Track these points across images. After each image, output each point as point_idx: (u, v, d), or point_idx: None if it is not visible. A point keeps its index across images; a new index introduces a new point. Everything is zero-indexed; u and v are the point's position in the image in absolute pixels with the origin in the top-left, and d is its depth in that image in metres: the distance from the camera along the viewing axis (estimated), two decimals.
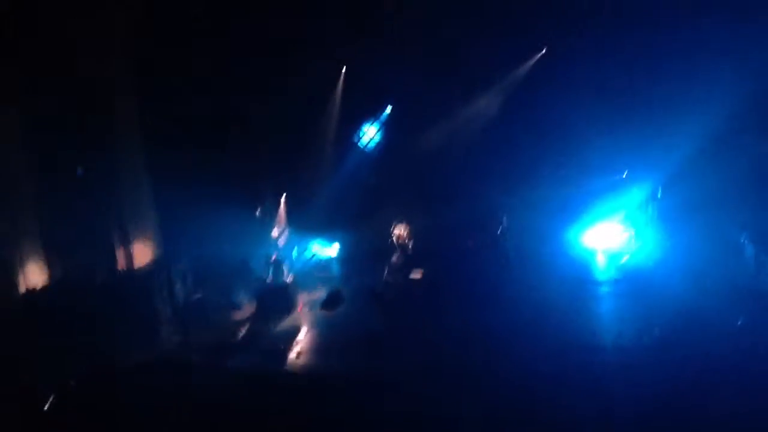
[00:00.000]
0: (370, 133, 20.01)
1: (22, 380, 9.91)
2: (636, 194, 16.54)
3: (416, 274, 16.16)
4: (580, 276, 15.36)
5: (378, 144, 20.07)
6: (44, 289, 11.95)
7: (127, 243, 13.74)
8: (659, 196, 16.00)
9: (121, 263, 13.58)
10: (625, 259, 15.96)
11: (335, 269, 18.21)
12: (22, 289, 11.57)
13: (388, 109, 19.78)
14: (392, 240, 17.30)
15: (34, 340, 10.86)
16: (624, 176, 16.74)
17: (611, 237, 16.69)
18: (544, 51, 17.49)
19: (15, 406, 9.26)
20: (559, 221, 17.09)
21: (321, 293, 15.34)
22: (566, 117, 16.97)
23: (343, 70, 18.80)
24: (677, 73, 14.75)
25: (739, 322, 10.89)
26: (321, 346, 12.37)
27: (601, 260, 16.51)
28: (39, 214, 12.13)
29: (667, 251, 15.14)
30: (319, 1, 15.91)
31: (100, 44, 12.84)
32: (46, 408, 9.47)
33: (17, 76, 11.59)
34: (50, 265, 12.29)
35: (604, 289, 14.55)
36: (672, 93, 15.01)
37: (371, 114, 20.00)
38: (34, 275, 11.91)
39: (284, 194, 19.15)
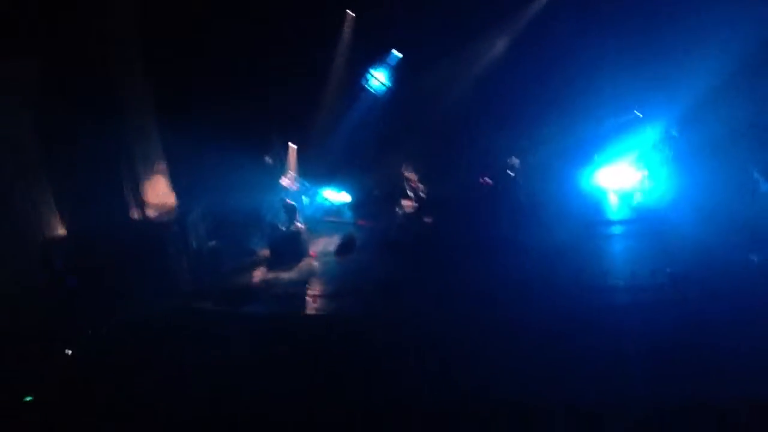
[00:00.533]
0: (378, 79, 19.79)
1: (42, 336, 10.06)
2: (650, 133, 16.33)
3: (429, 219, 16.15)
4: (593, 216, 15.31)
5: (387, 89, 19.87)
6: (57, 243, 12.02)
7: (138, 194, 13.77)
8: (674, 134, 15.80)
9: (133, 214, 13.64)
10: (638, 198, 15.86)
11: (347, 215, 18.27)
12: (35, 245, 11.66)
13: (396, 54, 19.53)
14: (404, 185, 17.23)
15: (52, 295, 11.03)
16: (638, 114, 16.50)
17: (624, 177, 16.55)
18: None
19: (38, 361, 9.42)
20: (570, 161, 16.95)
21: (334, 239, 15.40)
22: (577, 55, 16.65)
23: (350, 15, 18.53)
24: (694, 7, 14.37)
25: (754, 260, 10.87)
26: (335, 291, 12.43)
27: (613, 200, 16.43)
28: (49, 172, 12.16)
29: (682, 190, 15.02)
30: None
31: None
32: (67, 362, 9.65)
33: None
34: (62, 220, 12.36)
35: (617, 230, 14.52)
36: (688, 29, 14.64)
37: (379, 59, 19.76)
38: (47, 231, 12.00)
39: (294, 140, 19.08)
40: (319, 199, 18.62)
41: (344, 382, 8.63)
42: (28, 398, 8.41)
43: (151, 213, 13.97)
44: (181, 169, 14.77)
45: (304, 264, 14.29)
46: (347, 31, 18.70)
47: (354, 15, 18.40)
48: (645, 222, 14.51)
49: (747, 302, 9.25)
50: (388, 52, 19.52)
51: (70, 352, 9.77)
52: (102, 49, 12.68)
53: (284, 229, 15.39)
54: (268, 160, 18.37)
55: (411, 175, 17.33)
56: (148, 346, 9.87)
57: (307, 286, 12.78)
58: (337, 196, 18.76)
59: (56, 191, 12.37)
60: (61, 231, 12.27)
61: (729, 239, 11.72)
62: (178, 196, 14.68)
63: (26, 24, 11.27)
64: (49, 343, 9.84)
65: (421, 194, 17.13)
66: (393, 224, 16.50)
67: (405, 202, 16.99)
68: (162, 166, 14.42)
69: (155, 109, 14.19)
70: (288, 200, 16.11)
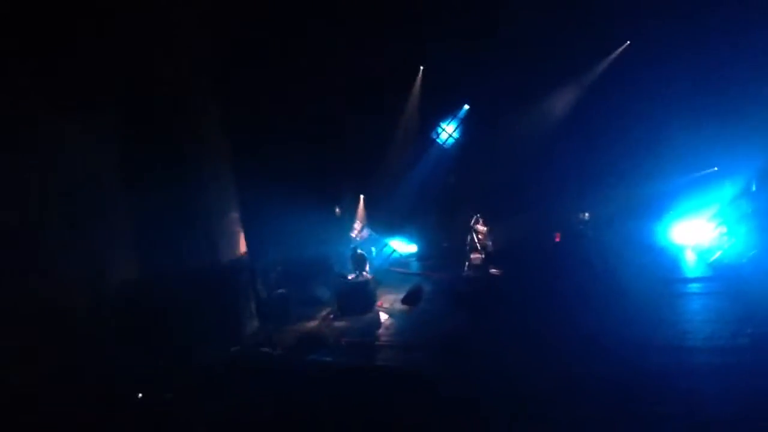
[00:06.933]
0: (448, 131, 19.97)
1: (115, 375, 10.30)
2: (728, 189, 15.89)
3: (496, 272, 15.99)
4: (669, 274, 14.86)
5: (456, 142, 20.01)
6: (134, 290, 12.33)
7: (211, 240, 14.09)
8: (753, 189, 15.32)
9: (207, 262, 13.94)
10: (716, 256, 15.32)
11: (415, 266, 18.26)
12: (112, 289, 12.00)
13: (466, 107, 19.70)
14: (471, 237, 17.16)
15: (128, 338, 11.32)
16: (715, 170, 16.11)
17: (702, 233, 16.09)
18: (627, 44, 17.06)
19: (106, 402, 9.62)
20: (645, 217, 16.62)
21: (401, 290, 15.37)
22: (652, 110, 16.50)
23: (421, 69, 18.85)
24: None
25: None
26: (401, 342, 12.34)
27: (691, 257, 15.95)
28: (131, 222, 12.58)
29: (761, 247, 14.46)
30: (397, 1, 16.01)
31: (180, 48, 13.21)
32: (137, 401, 9.84)
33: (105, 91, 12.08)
34: (141, 267, 12.70)
35: (695, 288, 14.02)
36: (765, 82, 14.37)
37: (449, 112, 19.97)
38: (127, 276, 12.35)
39: (364, 191, 19.31)
40: (387, 250, 18.72)
41: None
42: None
43: (222, 259, 14.26)
44: (254, 217, 15.09)
45: (371, 314, 14.29)
46: (419, 83, 19.03)
47: (426, 69, 18.74)
48: (724, 280, 13.98)
49: None
50: (459, 105, 19.75)
51: (140, 395, 9.96)
52: (182, 97, 13.20)
53: (352, 278, 15.49)
54: (337, 210, 18.65)
55: (480, 227, 17.28)
56: (217, 390, 9.99)
57: (373, 336, 12.75)
58: (405, 247, 18.82)
59: (134, 232, 12.77)
60: (137, 281, 12.59)
61: None
62: (250, 243, 14.97)
63: (109, 74, 11.85)
64: (119, 385, 10.08)
65: (489, 248, 17.03)
66: (461, 276, 16.40)
67: (473, 255, 16.91)
68: (235, 213, 14.76)
69: (231, 158, 14.59)
70: (358, 250, 16.25)
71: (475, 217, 17.31)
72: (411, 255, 18.87)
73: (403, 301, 14.67)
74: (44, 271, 10.39)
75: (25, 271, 9.98)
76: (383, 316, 14.09)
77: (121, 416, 9.38)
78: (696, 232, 16.12)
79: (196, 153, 13.54)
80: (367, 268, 15.90)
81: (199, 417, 9.24)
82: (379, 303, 14.82)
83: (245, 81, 14.65)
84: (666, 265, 15.29)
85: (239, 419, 9.12)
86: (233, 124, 14.33)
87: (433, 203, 19.28)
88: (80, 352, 10.45)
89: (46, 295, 10.20)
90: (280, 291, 14.87)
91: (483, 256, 16.77)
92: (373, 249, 18.42)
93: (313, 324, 14.06)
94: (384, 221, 19.18)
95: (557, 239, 16.89)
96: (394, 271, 17.95)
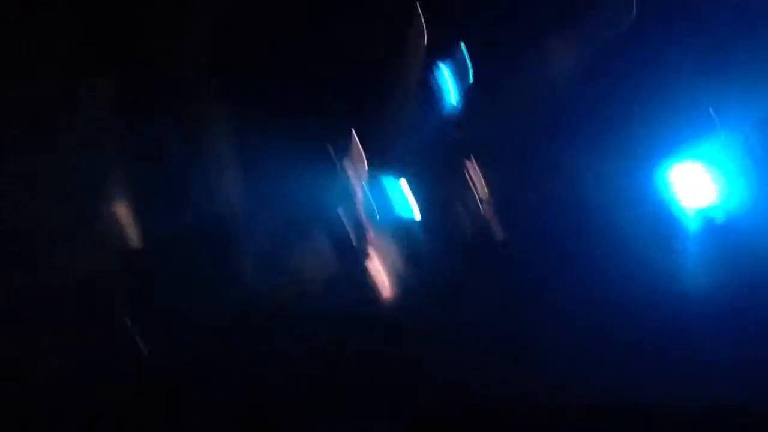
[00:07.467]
0: (449, 77, 19.83)
1: (117, 340, 10.53)
2: (726, 139, 15.91)
3: (500, 228, 16.11)
4: (665, 226, 15.02)
5: (458, 89, 19.90)
6: (135, 246, 12.49)
7: (208, 194, 14.18)
8: (752, 139, 15.35)
9: (203, 216, 14.08)
10: (712, 209, 15.45)
11: (411, 215, 18.37)
12: (111, 251, 12.16)
13: (467, 56, 19.54)
14: (475, 194, 17.22)
15: (128, 302, 11.53)
16: (712, 118, 16.11)
17: (697, 186, 16.17)
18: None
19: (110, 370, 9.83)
20: (641, 170, 16.70)
21: (401, 243, 15.55)
22: (646, 51, 16.46)
23: (423, 18, 18.68)
24: None
25: None
26: (401, 292, 12.59)
27: (686, 210, 16.08)
28: (127, 172, 12.71)
29: (759, 199, 14.58)
30: None
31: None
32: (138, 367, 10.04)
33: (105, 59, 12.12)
34: (137, 214, 12.88)
35: (690, 241, 14.21)
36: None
37: (451, 57, 19.83)
38: (128, 235, 12.50)
39: (363, 146, 19.30)
40: (385, 199, 18.82)
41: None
42: None
43: (220, 215, 14.38)
44: (249, 170, 15.16)
45: (371, 264, 14.51)
46: (422, 34, 18.88)
47: (426, 17, 18.58)
48: (721, 233, 14.16)
49: None
50: (461, 50, 19.61)
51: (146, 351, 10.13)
52: (174, 53, 13.26)
53: (347, 228, 15.64)
54: (337, 162, 18.68)
55: (483, 185, 17.29)
56: (215, 344, 10.19)
57: (368, 286, 12.96)
58: (402, 196, 18.91)
59: (133, 193, 12.90)
60: (137, 234, 12.76)
61: None
62: (246, 196, 15.08)
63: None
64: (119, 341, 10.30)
65: (492, 204, 17.09)
66: (462, 232, 16.53)
67: (476, 211, 16.99)
68: (232, 166, 14.83)
69: (225, 108, 14.64)
70: (355, 205, 16.34)
71: (478, 173, 17.34)
72: (408, 204, 18.97)
73: (398, 250, 14.81)
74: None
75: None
76: (377, 265, 14.34)
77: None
78: (691, 185, 16.14)
79: (186, 102, 13.57)
80: (365, 221, 16.02)
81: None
82: (373, 250, 15.05)
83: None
84: (662, 218, 15.42)
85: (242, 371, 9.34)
86: (223, 66, 14.37)
87: (435, 157, 19.29)
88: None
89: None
90: (274, 241, 15.00)
91: (487, 211, 16.88)
92: (373, 199, 18.50)
93: (311, 276, 14.25)
94: (385, 174, 19.22)
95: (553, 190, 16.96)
96: (389, 219, 18.07)
